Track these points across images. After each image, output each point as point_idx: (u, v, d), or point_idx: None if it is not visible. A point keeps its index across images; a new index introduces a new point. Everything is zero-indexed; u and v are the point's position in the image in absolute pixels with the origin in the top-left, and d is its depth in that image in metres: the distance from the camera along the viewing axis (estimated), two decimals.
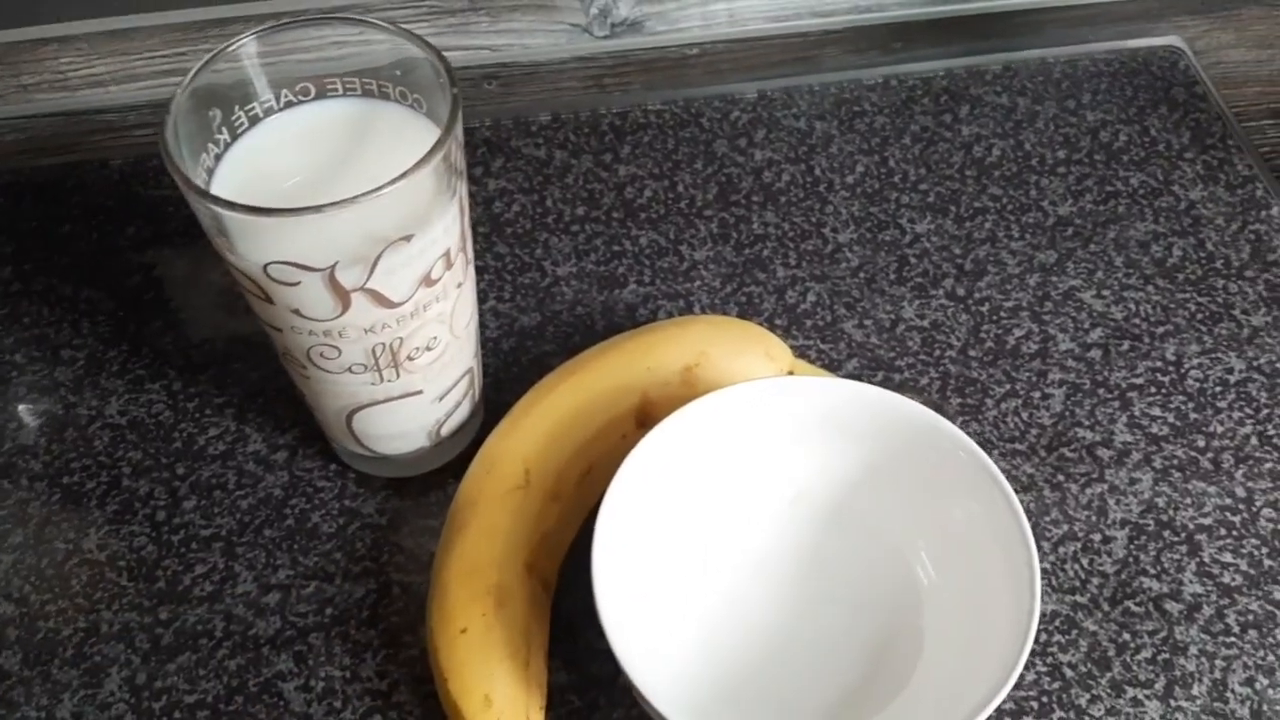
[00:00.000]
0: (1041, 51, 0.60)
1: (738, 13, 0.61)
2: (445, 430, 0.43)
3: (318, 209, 0.32)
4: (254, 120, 0.37)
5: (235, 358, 0.48)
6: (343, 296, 0.34)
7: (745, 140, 0.56)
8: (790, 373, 0.44)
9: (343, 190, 0.32)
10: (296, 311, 0.35)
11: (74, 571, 0.43)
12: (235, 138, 0.37)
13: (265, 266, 0.34)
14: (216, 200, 0.32)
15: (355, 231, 0.33)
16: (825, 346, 0.48)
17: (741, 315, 0.49)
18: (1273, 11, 0.63)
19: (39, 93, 0.59)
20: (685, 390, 0.42)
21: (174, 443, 0.46)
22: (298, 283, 0.34)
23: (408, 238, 0.34)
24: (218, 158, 0.36)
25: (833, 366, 0.48)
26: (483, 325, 0.48)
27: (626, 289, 0.50)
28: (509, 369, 0.48)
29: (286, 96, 0.37)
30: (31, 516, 0.44)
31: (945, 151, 0.55)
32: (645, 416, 0.42)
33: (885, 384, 0.46)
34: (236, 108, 0.37)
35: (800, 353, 0.48)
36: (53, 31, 0.58)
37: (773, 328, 0.48)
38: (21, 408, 0.47)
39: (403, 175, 0.32)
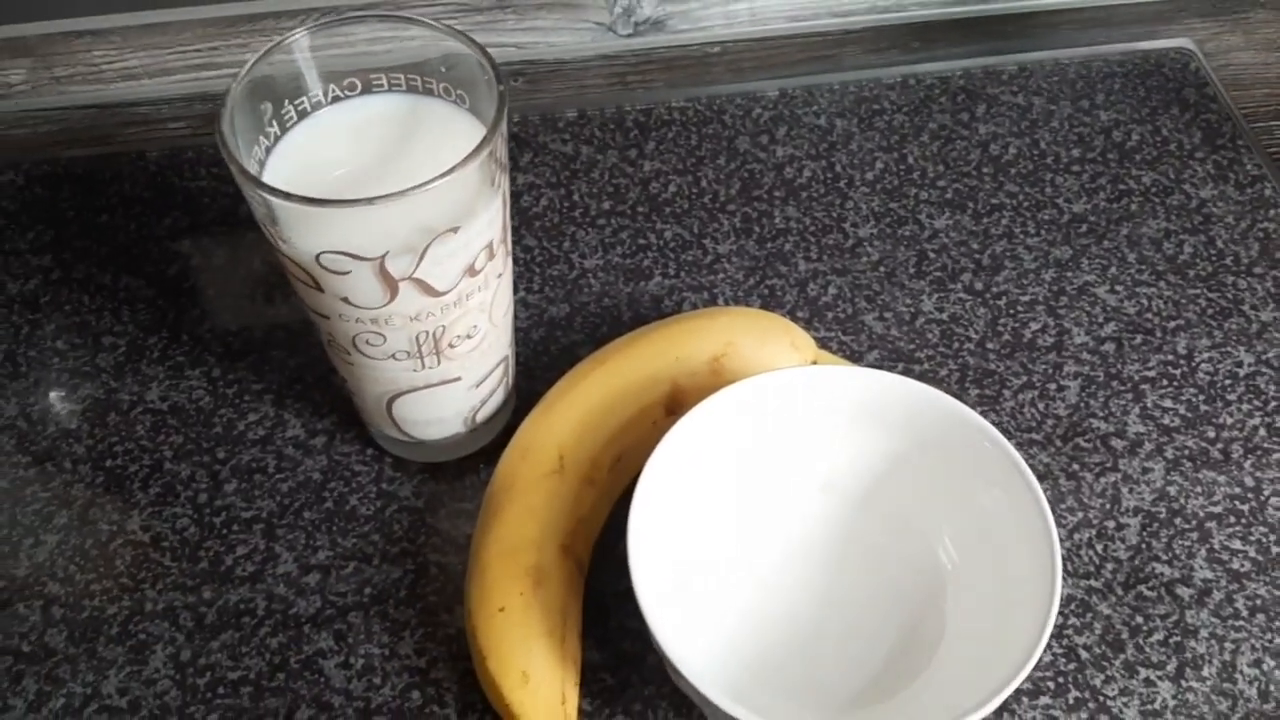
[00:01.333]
0: (1056, 52, 0.61)
1: (759, 12, 0.62)
2: (480, 416, 0.45)
3: (370, 201, 0.33)
4: (302, 114, 0.38)
5: (273, 345, 0.49)
6: (391, 285, 0.36)
7: (767, 137, 0.57)
8: (814, 363, 0.46)
9: (388, 183, 0.33)
10: (345, 299, 0.36)
11: (118, 552, 0.44)
12: (285, 131, 0.38)
13: (318, 256, 0.35)
14: (276, 191, 0.33)
15: (406, 223, 0.34)
16: (847, 338, 0.49)
17: (764, 307, 0.50)
18: None
19: (72, 85, 0.61)
20: (713, 379, 0.43)
21: (214, 428, 0.47)
22: (349, 271, 0.35)
23: (455, 229, 0.35)
24: (268, 150, 0.38)
25: (854, 358, 0.49)
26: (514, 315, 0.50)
27: (652, 281, 0.52)
28: (539, 358, 0.49)
29: (334, 91, 0.39)
30: (76, 499, 0.45)
31: (963, 149, 0.56)
32: (675, 404, 0.43)
33: (905, 375, 0.48)
34: (286, 102, 0.38)
35: (822, 344, 0.49)
36: (86, 24, 0.59)
37: (795, 320, 0.49)
38: (64, 393, 0.48)
39: (453, 169, 0.34)
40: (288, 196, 0.33)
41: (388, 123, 0.39)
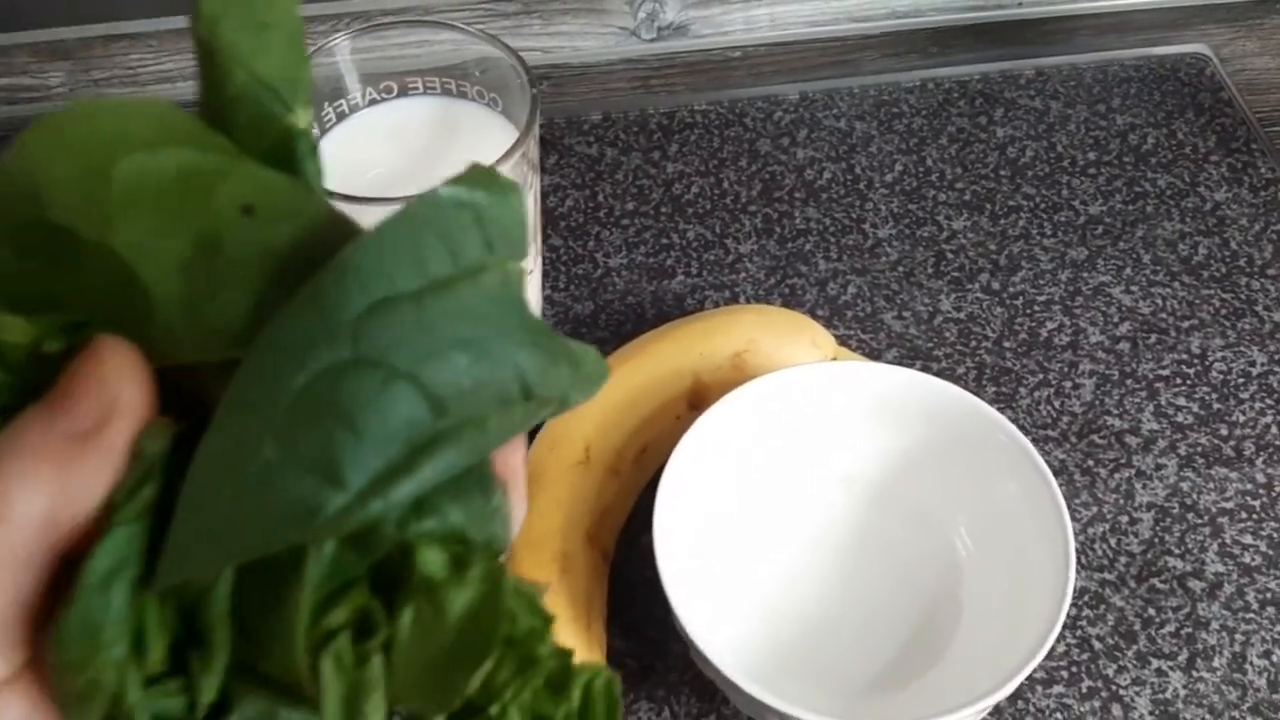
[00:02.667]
0: (1073, 57, 0.62)
1: (779, 17, 0.64)
2: None
3: (408, 200, 0.34)
4: (341, 116, 0.40)
5: None
6: None
7: (788, 139, 0.58)
8: (834, 360, 0.47)
9: (423, 183, 0.34)
10: None
11: None
12: (324, 132, 0.39)
13: None
14: None
15: None
16: (866, 336, 0.51)
17: (785, 306, 0.51)
18: None
19: (110, 88, 0.62)
20: (735, 375, 0.44)
21: None
22: None
23: None
24: None
25: (873, 356, 0.50)
26: (541, 313, 0.51)
27: (675, 280, 0.53)
28: None
29: (371, 94, 0.40)
30: None
31: (980, 152, 0.57)
32: (698, 399, 0.44)
33: (923, 373, 0.49)
34: (326, 104, 0.39)
35: (842, 342, 0.50)
36: (123, 29, 0.61)
37: (815, 318, 0.50)
38: None
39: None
40: (328, 195, 0.35)
41: (423, 124, 0.40)
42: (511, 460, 0.20)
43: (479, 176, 0.17)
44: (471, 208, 0.17)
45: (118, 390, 0.17)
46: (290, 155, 0.19)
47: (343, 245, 0.17)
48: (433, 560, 0.17)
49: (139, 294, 0.17)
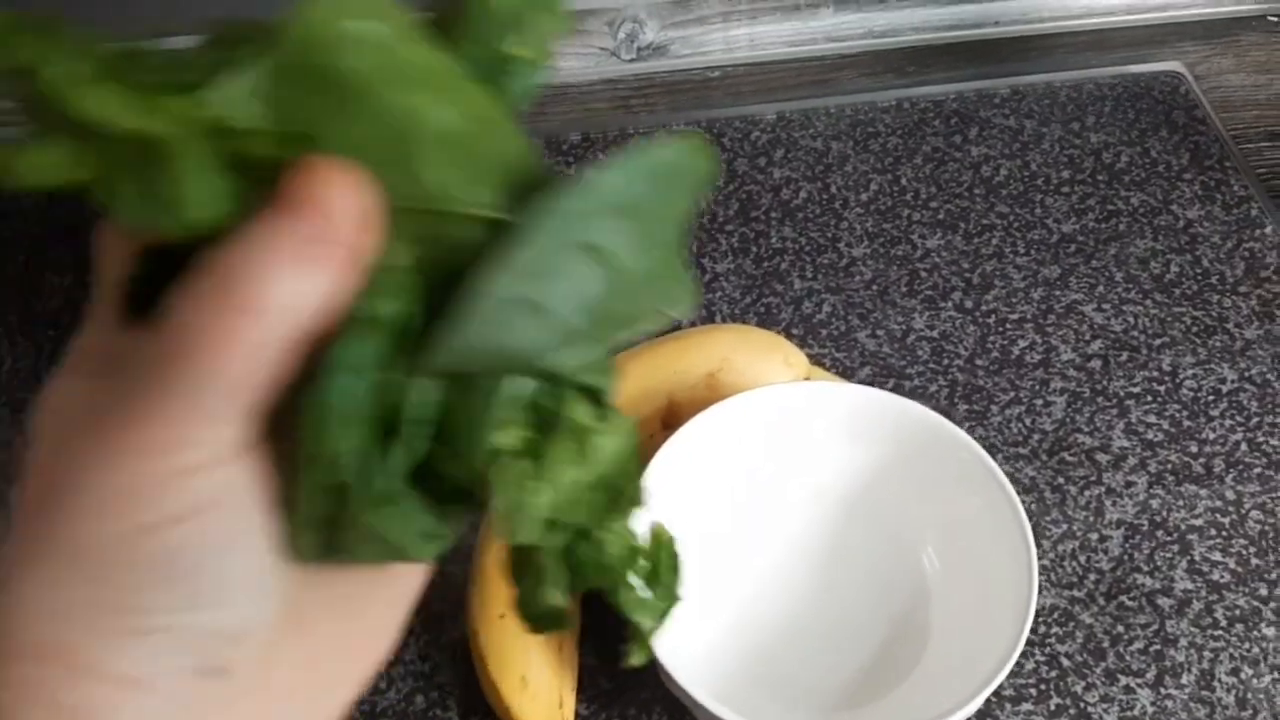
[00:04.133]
0: (1048, 76, 0.62)
1: (758, 38, 0.64)
2: None
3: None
4: None
5: None
6: None
7: (765, 159, 0.59)
8: (807, 379, 0.47)
9: None
10: None
11: None
12: None
13: None
14: None
15: None
16: (839, 355, 0.51)
17: (760, 325, 0.52)
18: (1271, 38, 0.66)
19: None
20: (709, 394, 0.45)
21: None
22: None
23: None
24: None
25: (846, 374, 0.50)
26: None
27: None
28: None
29: None
30: None
31: (955, 171, 0.58)
32: (671, 418, 0.45)
33: (896, 391, 0.49)
34: None
35: (816, 360, 0.51)
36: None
37: (790, 337, 0.51)
38: None
39: None
40: None
41: None
42: None
43: (689, 143, 0.21)
44: (679, 166, 0.21)
45: (341, 202, 0.19)
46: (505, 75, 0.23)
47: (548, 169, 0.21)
48: (583, 412, 0.22)
49: (401, 147, 0.20)
